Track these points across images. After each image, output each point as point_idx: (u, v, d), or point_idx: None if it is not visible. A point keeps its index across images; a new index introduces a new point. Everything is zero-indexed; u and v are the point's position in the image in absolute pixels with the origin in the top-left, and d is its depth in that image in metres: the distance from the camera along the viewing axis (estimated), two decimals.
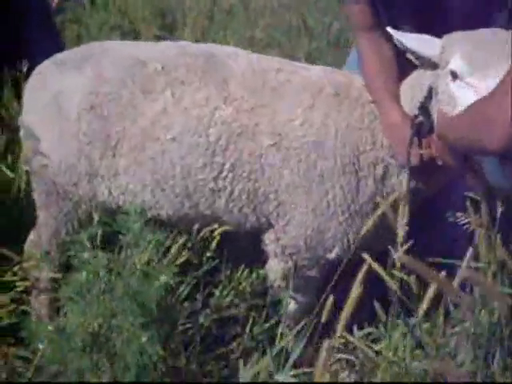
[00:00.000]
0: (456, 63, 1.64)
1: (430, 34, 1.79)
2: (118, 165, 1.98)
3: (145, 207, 1.97)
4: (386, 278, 1.58)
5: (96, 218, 1.84)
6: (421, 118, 1.77)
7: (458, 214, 1.82)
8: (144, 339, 1.55)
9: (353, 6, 1.96)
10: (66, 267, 2.00)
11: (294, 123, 1.89)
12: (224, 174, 1.91)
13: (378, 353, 1.67)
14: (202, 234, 2.02)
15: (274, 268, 2.06)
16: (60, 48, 2.86)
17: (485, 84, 1.54)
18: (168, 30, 4.30)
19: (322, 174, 1.87)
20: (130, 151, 1.96)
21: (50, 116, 2.03)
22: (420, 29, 1.87)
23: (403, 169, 1.85)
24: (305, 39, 4.22)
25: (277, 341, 1.73)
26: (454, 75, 1.65)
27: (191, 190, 1.95)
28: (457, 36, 1.71)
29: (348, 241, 1.94)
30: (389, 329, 1.70)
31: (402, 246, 1.62)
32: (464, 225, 1.80)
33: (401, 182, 1.88)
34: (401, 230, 1.62)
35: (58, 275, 2.03)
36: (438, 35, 1.78)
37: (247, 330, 2.06)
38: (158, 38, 4.09)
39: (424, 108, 1.77)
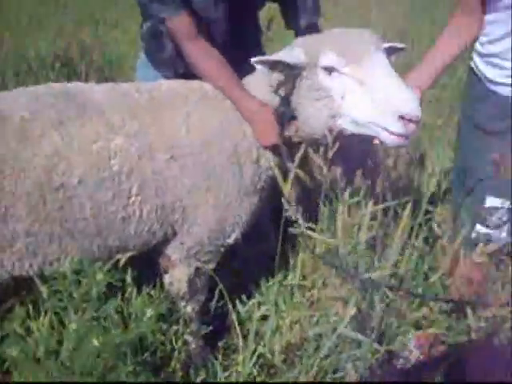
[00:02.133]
0: (329, 58, 1.89)
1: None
2: (15, 231, 1.79)
3: (45, 263, 1.87)
4: None
5: None
6: (282, 108, 2.04)
7: None
8: None
9: (174, 18, 2.10)
10: None
11: (181, 133, 2.00)
12: (132, 199, 1.92)
13: None
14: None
15: (179, 276, 2.14)
16: None
17: (361, 70, 1.83)
18: None
19: (215, 170, 2.02)
20: (28, 212, 1.78)
21: None
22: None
23: (266, 149, 2.09)
24: None
25: None
26: (329, 70, 1.90)
27: (103, 226, 1.91)
28: (315, 38, 1.99)
29: (242, 222, 2.12)
30: None
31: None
32: None
33: (268, 160, 2.12)
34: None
35: None
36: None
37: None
38: None
39: (285, 99, 2.03)
